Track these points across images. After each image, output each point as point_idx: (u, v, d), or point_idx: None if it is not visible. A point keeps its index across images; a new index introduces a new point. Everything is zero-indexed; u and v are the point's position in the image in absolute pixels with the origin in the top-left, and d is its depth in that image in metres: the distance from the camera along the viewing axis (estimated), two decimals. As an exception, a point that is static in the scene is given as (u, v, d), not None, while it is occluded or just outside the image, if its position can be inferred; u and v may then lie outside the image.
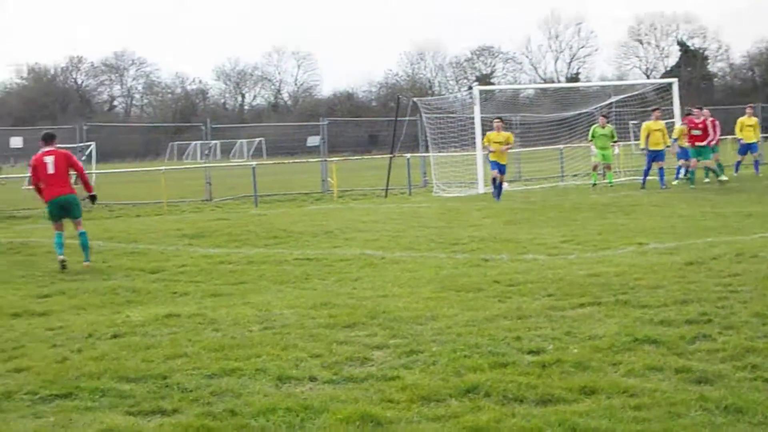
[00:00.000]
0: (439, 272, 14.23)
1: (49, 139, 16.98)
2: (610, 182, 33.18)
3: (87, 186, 17.20)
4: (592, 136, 33.46)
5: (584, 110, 40.88)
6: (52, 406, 7.70)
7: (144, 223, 25.87)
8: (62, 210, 16.69)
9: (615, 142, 33.87)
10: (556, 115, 43.30)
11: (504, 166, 29.69)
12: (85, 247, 16.49)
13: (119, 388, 8.08)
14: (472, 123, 35.13)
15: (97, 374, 8.52)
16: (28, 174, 19.75)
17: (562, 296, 11.69)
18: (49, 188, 16.59)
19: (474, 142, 34.97)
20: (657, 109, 33.29)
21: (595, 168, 33.78)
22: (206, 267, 15.80)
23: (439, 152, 36.99)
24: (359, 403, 7.42)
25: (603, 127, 33.21)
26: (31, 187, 17.27)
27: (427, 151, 37.71)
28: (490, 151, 29.42)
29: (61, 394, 7.97)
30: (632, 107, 42.37)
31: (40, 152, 16.73)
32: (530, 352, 8.90)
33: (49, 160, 16.55)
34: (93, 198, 17.58)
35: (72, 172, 16.89)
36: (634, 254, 15.22)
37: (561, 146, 41.77)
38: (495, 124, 29.91)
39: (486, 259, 15.58)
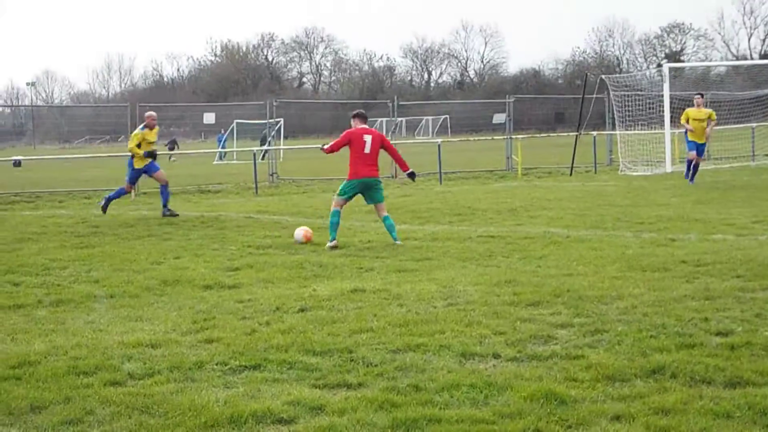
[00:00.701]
0: (624, 251, 14.05)
1: (364, 117, 16.95)
2: None
3: (403, 165, 17.17)
4: None
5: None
6: (241, 376, 7.90)
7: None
8: (366, 190, 16.57)
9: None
10: (749, 92, 42.18)
11: (703, 146, 27.46)
12: (391, 227, 16.25)
13: (306, 361, 8.24)
14: (661, 101, 34.51)
15: (284, 347, 8.71)
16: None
17: (752, 277, 11.42)
18: (360, 167, 16.40)
19: (662, 120, 34.34)
20: None
21: None
22: (391, 243, 15.93)
23: (626, 130, 36.45)
24: (543, 382, 7.41)
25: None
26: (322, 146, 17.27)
27: (613, 129, 37.22)
28: (689, 130, 26.96)
29: (250, 365, 8.17)
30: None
31: (358, 128, 16.62)
32: (718, 333, 8.73)
33: (368, 138, 16.42)
34: (412, 175, 17.34)
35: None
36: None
37: (753, 125, 40.58)
38: (696, 100, 27.71)
39: (673, 238, 15.32)
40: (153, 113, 22.62)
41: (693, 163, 27.31)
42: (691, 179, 27.05)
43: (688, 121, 27.19)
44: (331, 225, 16.15)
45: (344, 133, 16.70)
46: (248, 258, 14.82)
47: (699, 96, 28.03)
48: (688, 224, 17.21)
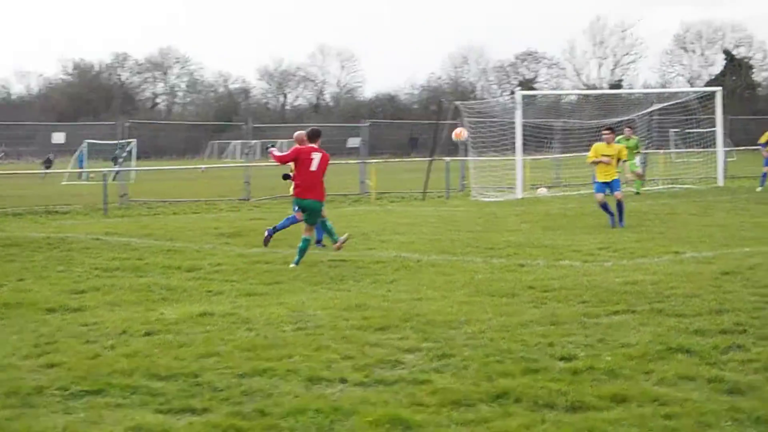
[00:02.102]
0: (474, 276, 14.19)
1: (314, 136, 16.78)
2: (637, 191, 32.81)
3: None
4: None
5: (626, 117, 40.65)
6: (82, 402, 7.73)
7: (181, 221, 25.93)
8: (304, 210, 16.62)
9: (638, 152, 33.45)
10: (598, 121, 43.11)
11: (616, 182, 22.10)
12: (300, 251, 16.14)
13: (150, 386, 8.10)
14: (513, 128, 35.07)
15: (128, 371, 8.55)
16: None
17: (597, 303, 11.64)
18: (303, 188, 16.43)
19: (514, 147, 34.90)
20: None
21: (639, 176, 33.46)
22: (242, 266, 15.82)
23: (479, 156, 36.90)
24: (389, 406, 7.42)
25: (628, 139, 32.04)
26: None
27: (466, 155, 37.64)
28: (603, 161, 22.03)
29: (92, 390, 8.00)
30: (675, 115, 42.15)
31: (306, 146, 16.58)
32: (562, 358, 8.86)
33: (316, 157, 16.36)
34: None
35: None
36: (671, 263, 15.13)
37: (602, 153, 41.43)
38: (605, 136, 22.63)
39: (522, 264, 15.53)
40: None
41: (608, 203, 22.03)
42: (621, 221, 21.77)
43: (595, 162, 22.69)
44: (326, 231, 17.24)
45: (292, 149, 16.87)
46: (95, 280, 14.53)
47: (608, 131, 23.00)
48: (536, 250, 17.47)
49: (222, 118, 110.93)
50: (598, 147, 22.55)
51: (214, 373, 8.48)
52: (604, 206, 22.00)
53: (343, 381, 8.25)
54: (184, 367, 8.68)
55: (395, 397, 7.70)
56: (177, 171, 52.73)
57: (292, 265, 15.71)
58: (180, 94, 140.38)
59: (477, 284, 13.40)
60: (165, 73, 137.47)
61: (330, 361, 8.91)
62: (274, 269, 15.51)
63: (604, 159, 22.18)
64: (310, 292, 13.17)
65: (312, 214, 16.48)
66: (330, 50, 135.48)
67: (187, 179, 44.24)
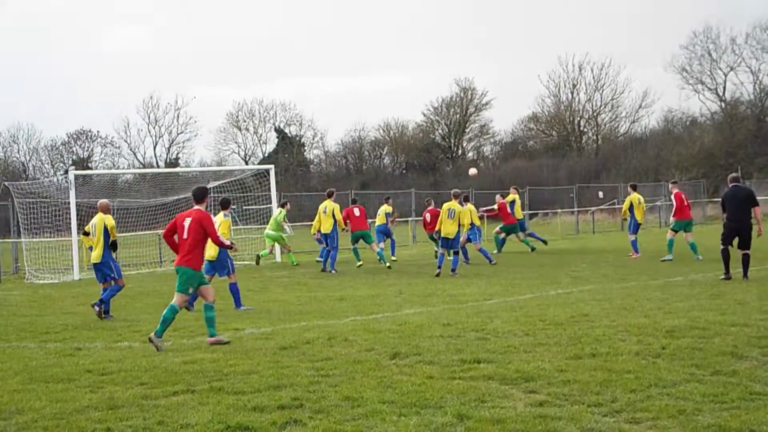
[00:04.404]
0: (28, 363, 13.61)
1: (199, 197, 15.43)
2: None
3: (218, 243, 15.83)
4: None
5: (184, 195, 40.92)
6: None
7: None
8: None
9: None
10: (156, 200, 43.10)
11: (453, 239, 27.59)
12: (208, 322, 15.05)
13: None
14: (68, 207, 34.32)
15: None
16: None
17: (156, 384, 11.49)
18: (179, 254, 15.16)
19: (70, 227, 34.14)
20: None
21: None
22: None
23: (33, 238, 35.78)
24: None
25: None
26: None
27: (19, 236, 36.38)
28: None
29: None
30: (233, 192, 42.89)
31: (186, 212, 15.30)
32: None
33: (186, 223, 14.97)
34: None
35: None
36: (231, 340, 15.19)
37: (160, 231, 41.44)
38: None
39: (79, 347, 15.11)
40: None
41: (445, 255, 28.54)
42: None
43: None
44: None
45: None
46: None
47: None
48: (94, 333, 17.08)
49: None
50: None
51: None
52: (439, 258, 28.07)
53: None
54: None
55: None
56: None
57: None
58: None
59: (31, 371, 12.86)
60: None
61: None
62: None
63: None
64: None
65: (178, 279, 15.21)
66: None
67: None
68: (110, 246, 20.51)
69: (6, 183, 38.50)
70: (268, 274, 31.03)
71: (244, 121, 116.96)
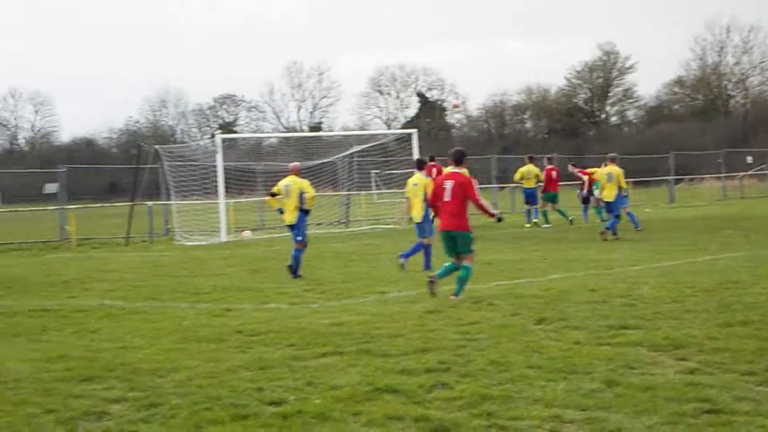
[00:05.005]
0: (180, 323, 13.98)
1: (460, 159, 16.10)
2: None
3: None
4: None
5: (327, 159, 41.27)
6: None
7: None
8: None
9: None
10: (301, 163, 43.55)
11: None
12: (459, 278, 15.62)
13: None
14: (215, 171, 34.98)
15: None
16: None
17: (304, 346, 11.66)
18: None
19: (216, 190, 34.81)
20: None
21: None
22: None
23: (182, 200, 36.58)
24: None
25: None
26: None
27: (169, 199, 37.22)
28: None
29: None
30: (374, 157, 43.10)
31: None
32: (272, 403, 8.80)
33: (449, 185, 15.63)
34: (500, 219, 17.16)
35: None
36: (376, 303, 15.38)
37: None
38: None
39: (228, 308, 15.44)
40: None
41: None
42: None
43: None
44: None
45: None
46: None
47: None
48: (242, 294, 17.43)
49: None
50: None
51: None
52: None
53: (46, 437, 7.93)
54: None
55: (102, 451, 7.46)
56: None
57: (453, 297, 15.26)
58: None
59: (183, 331, 13.20)
60: None
61: (31, 415, 8.54)
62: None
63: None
64: (8, 344, 12.62)
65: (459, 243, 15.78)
66: (21, 94, 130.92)
67: None
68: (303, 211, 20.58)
69: (156, 146, 39.37)
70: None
71: (387, 86, 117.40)
